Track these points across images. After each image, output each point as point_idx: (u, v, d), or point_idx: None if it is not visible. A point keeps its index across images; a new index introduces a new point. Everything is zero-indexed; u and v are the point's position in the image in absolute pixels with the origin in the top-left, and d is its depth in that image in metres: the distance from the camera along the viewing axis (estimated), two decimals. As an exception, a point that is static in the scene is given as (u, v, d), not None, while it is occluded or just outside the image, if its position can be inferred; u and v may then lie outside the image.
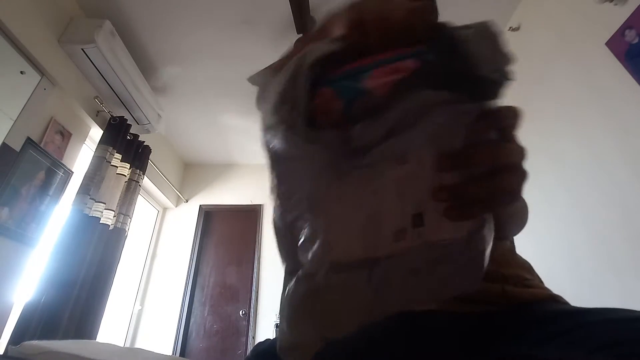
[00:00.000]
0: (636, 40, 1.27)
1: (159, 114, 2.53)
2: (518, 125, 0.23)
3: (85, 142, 2.18)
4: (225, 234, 3.51)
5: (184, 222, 3.49)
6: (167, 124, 2.81)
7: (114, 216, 2.21)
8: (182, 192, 3.60)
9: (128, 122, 2.33)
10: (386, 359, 0.38)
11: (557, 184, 1.64)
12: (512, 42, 2.10)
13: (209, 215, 3.60)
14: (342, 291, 0.26)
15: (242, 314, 3.06)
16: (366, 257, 0.25)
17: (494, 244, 0.27)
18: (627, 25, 1.31)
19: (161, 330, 2.96)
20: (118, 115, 2.26)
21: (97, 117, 2.18)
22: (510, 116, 0.22)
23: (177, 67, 2.46)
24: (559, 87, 1.66)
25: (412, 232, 0.24)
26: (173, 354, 2.82)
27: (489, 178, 0.22)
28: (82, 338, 1.85)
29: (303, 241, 0.25)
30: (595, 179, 1.48)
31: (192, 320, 3.06)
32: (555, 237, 1.63)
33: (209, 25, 2.11)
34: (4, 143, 1.54)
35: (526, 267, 0.47)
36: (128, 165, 2.37)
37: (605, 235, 1.42)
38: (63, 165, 1.87)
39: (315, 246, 0.25)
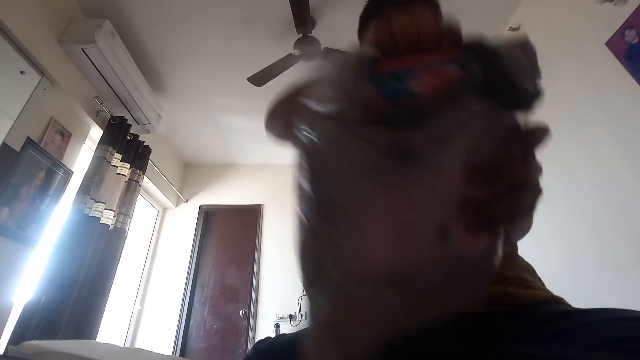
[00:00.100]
0: (636, 40, 1.27)
1: (159, 114, 2.53)
2: (544, 143, 0.23)
3: (85, 142, 2.18)
4: (225, 234, 3.51)
5: (184, 222, 3.49)
6: (167, 124, 2.81)
7: (114, 216, 2.21)
8: (182, 192, 3.60)
9: (128, 122, 2.33)
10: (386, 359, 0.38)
11: (557, 184, 1.64)
12: (512, 42, 2.12)
13: (209, 215, 3.60)
14: (369, 305, 0.24)
15: (242, 314, 3.06)
16: (395, 267, 0.23)
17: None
18: (627, 25, 1.31)
19: (161, 330, 2.96)
20: (118, 115, 2.26)
21: (97, 117, 2.18)
22: (541, 134, 0.23)
23: (177, 67, 2.46)
24: (559, 87, 1.66)
25: (439, 242, 0.23)
26: (173, 354, 2.82)
27: (511, 193, 0.23)
28: (82, 338, 1.85)
29: (329, 248, 0.24)
30: (595, 178, 1.48)
31: (192, 320, 3.06)
32: (556, 237, 1.63)
33: (209, 25, 2.11)
34: (4, 143, 1.54)
35: (529, 269, 0.47)
36: (128, 165, 2.37)
37: (606, 235, 1.42)
38: (63, 165, 1.87)
39: (344, 254, 0.23)
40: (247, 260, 3.32)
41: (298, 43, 2.03)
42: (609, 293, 1.38)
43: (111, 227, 2.17)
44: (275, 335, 0.59)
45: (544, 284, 0.46)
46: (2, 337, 1.55)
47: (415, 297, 0.25)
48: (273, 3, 1.95)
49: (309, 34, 2.03)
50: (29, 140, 1.66)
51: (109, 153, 2.14)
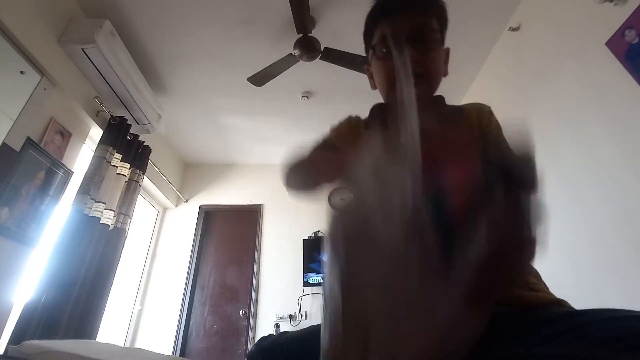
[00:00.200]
0: (636, 40, 1.27)
1: (159, 114, 2.53)
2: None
3: (85, 142, 2.18)
4: (225, 234, 3.51)
5: (184, 222, 3.49)
6: (167, 124, 2.81)
7: (114, 216, 2.21)
8: (182, 192, 3.61)
9: (128, 122, 2.33)
10: None
11: (557, 184, 1.64)
12: (512, 42, 2.11)
13: (209, 215, 3.60)
14: None
15: (242, 314, 3.06)
16: None
17: None
18: (627, 25, 1.30)
19: (161, 330, 2.96)
20: (118, 115, 2.26)
21: (97, 117, 2.18)
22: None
23: (177, 67, 2.46)
24: (558, 87, 1.66)
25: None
26: (173, 354, 2.82)
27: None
28: (82, 338, 1.85)
29: None
30: (595, 178, 1.48)
31: (192, 320, 3.06)
32: (556, 237, 1.63)
33: (209, 25, 2.11)
34: (4, 143, 1.54)
35: (533, 272, 0.48)
36: (128, 165, 2.37)
37: (606, 235, 1.42)
38: (63, 165, 1.87)
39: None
40: (247, 260, 3.32)
41: (298, 43, 2.03)
42: (609, 293, 1.38)
43: (111, 227, 2.17)
44: (278, 333, 0.59)
45: (547, 287, 0.47)
46: (2, 337, 1.55)
47: None
48: (273, 3, 1.95)
49: (309, 34, 2.03)
50: (29, 140, 1.66)
51: (109, 153, 2.14)
